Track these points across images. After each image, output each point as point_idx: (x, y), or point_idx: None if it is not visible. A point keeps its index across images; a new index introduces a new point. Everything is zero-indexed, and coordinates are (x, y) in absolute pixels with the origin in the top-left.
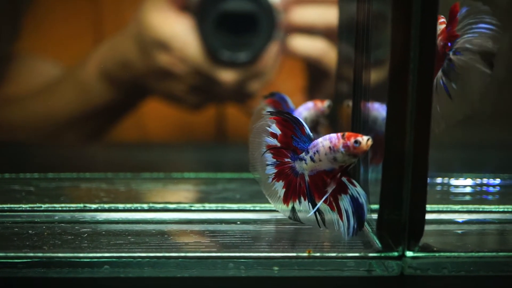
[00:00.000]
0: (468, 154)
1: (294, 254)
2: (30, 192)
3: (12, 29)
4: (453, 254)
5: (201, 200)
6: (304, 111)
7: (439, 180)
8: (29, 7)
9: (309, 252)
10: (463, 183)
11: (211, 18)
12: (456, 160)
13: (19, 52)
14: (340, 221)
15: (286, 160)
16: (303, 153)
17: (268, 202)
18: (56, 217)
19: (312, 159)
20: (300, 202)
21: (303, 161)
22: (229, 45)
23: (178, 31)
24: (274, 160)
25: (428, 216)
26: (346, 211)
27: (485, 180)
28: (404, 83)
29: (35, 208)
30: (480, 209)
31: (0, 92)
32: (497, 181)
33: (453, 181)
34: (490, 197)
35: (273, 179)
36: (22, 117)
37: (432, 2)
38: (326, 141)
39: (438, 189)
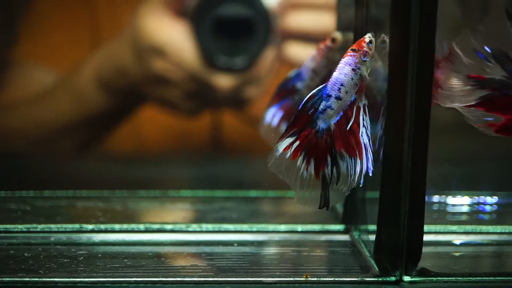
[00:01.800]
0: (464, 168)
1: (291, 279)
2: (26, 212)
3: (9, 36)
4: (450, 278)
5: (197, 220)
6: (310, 63)
7: (435, 198)
8: (25, 13)
9: (306, 277)
10: (460, 202)
11: (207, 23)
12: (452, 175)
13: (15, 59)
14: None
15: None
16: (323, 102)
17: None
18: (52, 239)
19: (338, 97)
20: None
21: (328, 109)
22: (225, 51)
23: (174, 37)
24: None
25: (425, 238)
26: (365, 145)
27: (482, 198)
28: (403, 102)
29: (31, 229)
30: (478, 230)
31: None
32: (495, 199)
33: (450, 199)
34: (487, 217)
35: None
36: (17, 125)
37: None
38: (344, 68)
39: (435, 208)
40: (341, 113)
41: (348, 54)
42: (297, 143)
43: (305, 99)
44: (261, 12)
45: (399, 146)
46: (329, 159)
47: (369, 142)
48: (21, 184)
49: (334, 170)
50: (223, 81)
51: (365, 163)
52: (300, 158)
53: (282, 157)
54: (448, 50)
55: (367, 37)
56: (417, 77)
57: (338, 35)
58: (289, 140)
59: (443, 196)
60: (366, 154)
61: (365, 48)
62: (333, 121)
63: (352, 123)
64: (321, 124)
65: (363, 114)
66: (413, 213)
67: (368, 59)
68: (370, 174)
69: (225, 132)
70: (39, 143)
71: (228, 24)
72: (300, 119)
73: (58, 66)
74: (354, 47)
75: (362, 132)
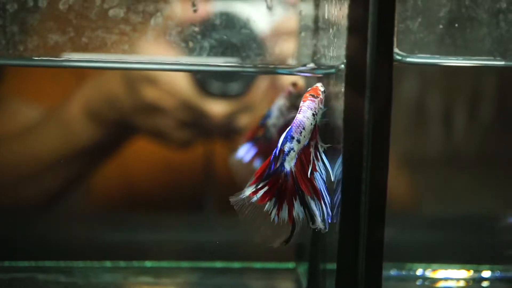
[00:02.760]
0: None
1: None
2: None
3: None
4: None
5: None
6: (278, 101)
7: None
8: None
9: None
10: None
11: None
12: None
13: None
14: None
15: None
16: (287, 144)
17: None
18: None
19: (298, 140)
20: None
21: (291, 151)
22: (218, 77)
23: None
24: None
25: None
26: (321, 191)
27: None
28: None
29: None
30: None
31: None
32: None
33: (420, 272)
34: None
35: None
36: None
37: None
38: (307, 112)
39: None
40: (296, 157)
41: (308, 98)
42: (266, 188)
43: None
44: (254, 37)
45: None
46: (297, 200)
47: (325, 187)
48: None
49: (306, 210)
50: (217, 108)
51: (325, 209)
52: (270, 204)
53: (247, 201)
54: None
55: (320, 86)
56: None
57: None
58: (256, 185)
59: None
60: (324, 199)
61: (321, 96)
62: (292, 164)
63: (310, 168)
64: (286, 167)
65: (314, 159)
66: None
67: (322, 107)
68: (329, 221)
69: (217, 167)
70: (23, 180)
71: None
72: (268, 163)
73: (44, 102)
74: (312, 93)
75: (316, 177)
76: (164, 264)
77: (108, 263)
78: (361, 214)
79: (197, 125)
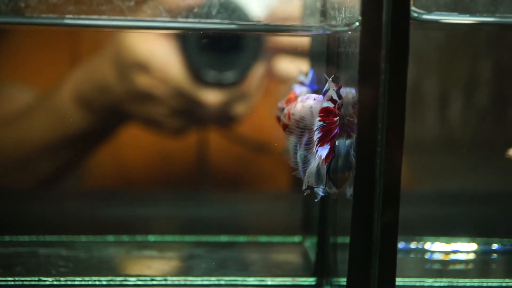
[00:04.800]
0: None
1: None
2: None
3: None
4: None
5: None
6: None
7: (413, 245)
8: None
9: None
10: (439, 248)
11: (193, 36)
12: (430, 216)
13: None
14: None
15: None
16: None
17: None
18: None
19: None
20: None
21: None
22: (213, 65)
23: (158, 50)
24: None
25: None
26: None
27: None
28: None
29: None
30: (455, 283)
31: None
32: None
33: (429, 246)
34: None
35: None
36: None
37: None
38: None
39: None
40: None
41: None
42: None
43: None
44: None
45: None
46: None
47: None
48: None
49: None
50: (211, 97)
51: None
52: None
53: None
54: None
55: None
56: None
57: None
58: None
59: (421, 242)
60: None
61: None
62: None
63: None
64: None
65: None
66: (384, 267)
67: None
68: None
69: (211, 154)
70: (16, 165)
71: (215, 37)
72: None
73: (38, 87)
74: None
75: None
76: (168, 238)
77: (111, 237)
78: (376, 187)
79: (190, 113)
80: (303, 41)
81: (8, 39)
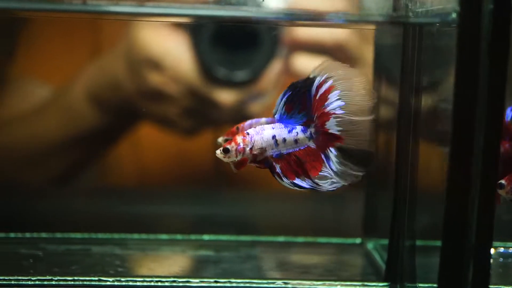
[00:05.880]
0: None
1: None
2: (38, 258)
3: (6, 52)
4: None
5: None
6: None
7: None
8: (23, 28)
9: None
10: None
11: (207, 33)
12: None
13: (12, 75)
14: None
15: None
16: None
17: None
18: None
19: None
20: None
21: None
22: (227, 63)
23: (171, 48)
24: None
25: None
26: None
27: None
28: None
29: (45, 283)
30: None
31: None
32: None
33: None
34: None
35: None
36: (7, 143)
37: None
38: None
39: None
40: None
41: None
42: None
43: None
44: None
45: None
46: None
47: None
48: (29, 224)
49: None
50: (225, 96)
51: None
52: None
53: None
54: None
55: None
56: None
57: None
58: None
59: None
60: None
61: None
62: None
63: None
64: None
65: None
66: (478, 273)
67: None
68: None
69: None
70: (30, 162)
71: (230, 33)
72: None
73: (56, 82)
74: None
75: None
76: (223, 237)
77: (164, 236)
78: (471, 186)
79: (203, 112)
80: (339, 34)
81: (25, 33)
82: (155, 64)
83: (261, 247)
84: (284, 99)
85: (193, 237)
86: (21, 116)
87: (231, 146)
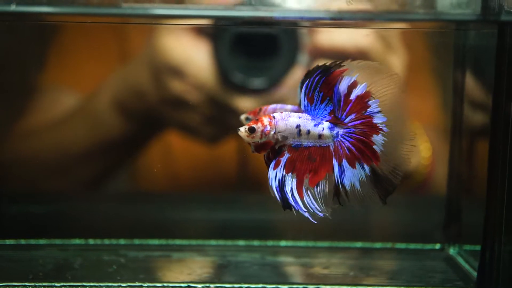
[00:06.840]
0: None
1: None
2: (121, 265)
3: (38, 61)
4: None
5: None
6: None
7: None
8: (54, 37)
9: None
10: None
11: (228, 41)
12: None
13: (43, 84)
14: None
15: None
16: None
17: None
18: None
19: None
20: None
21: None
22: (248, 70)
23: (193, 56)
24: None
25: None
26: None
27: None
28: None
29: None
30: None
31: (22, 124)
32: None
33: None
34: None
35: None
36: (36, 151)
37: None
38: None
39: None
40: None
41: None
42: None
43: None
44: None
45: None
46: None
47: None
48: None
49: None
50: (245, 104)
51: None
52: None
53: None
54: None
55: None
56: None
57: None
58: None
59: None
60: None
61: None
62: None
63: None
64: None
65: None
66: None
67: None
68: None
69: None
70: (57, 170)
71: (251, 41)
72: None
73: (84, 90)
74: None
75: None
76: (301, 243)
77: (241, 242)
78: None
79: (224, 120)
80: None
81: (55, 42)
82: (177, 72)
83: (340, 253)
84: (304, 89)
85: (270, 243)
86: (51, 124)
87: (257, 126)
